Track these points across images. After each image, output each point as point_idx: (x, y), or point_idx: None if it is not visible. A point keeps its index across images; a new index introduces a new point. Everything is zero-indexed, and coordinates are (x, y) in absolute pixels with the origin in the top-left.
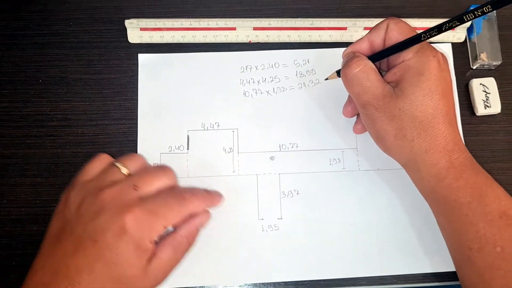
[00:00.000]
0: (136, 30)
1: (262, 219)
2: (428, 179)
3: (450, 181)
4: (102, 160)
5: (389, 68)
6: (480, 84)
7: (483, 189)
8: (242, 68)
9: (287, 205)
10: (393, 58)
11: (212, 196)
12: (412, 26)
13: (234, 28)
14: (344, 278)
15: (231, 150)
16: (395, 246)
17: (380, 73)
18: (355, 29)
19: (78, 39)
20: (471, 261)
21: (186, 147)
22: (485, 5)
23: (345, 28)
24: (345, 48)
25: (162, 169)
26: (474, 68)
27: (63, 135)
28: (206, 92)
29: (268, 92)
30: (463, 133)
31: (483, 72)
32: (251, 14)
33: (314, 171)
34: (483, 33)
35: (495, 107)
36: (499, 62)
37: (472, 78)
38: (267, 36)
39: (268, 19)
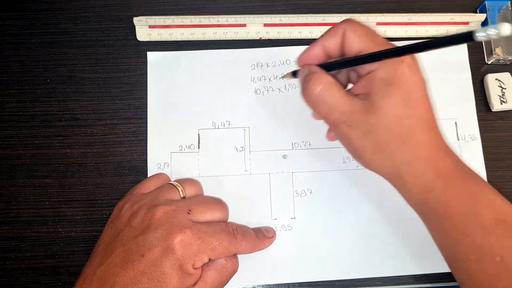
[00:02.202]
0: (145, 28)
1: (275, 218)
2: (416, 191)
3: (439, 192)
4: (160, 178)
5: (353, 77)
6: (496, 79)
7: (475, 196)
8: (253, 65)
9: (300, 204)
10: (358, 68)
11: (261, 241)
12: (426, 21)
13: (244, 25)
14: (359, 279)
15: (243, 149)
16: (410, 246)
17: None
18: (368, 25)
19: (86, 37)
20: (470, 274)
21: (197, 146)
22: (446, 41)
23: None
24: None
25: (218, 202)
26: (489, 63)
27: (72, 135)
28: (216, 90)
29: (279, 90)
30: (480, 130)
31: (498, 67)
32: (262, 10)
33: (328, 169)
34: None
35: None
36: None
37: (487, 73)
38: (278, 32)
39: (279, 15)
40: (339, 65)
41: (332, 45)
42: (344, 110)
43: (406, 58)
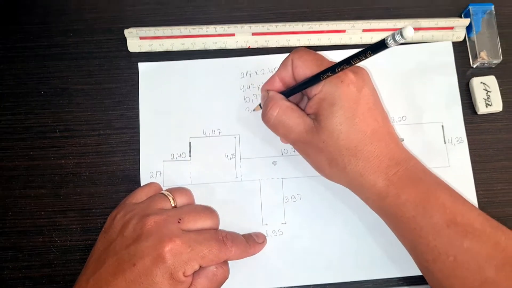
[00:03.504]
0: (136, 39)
1: (266, 224)
2: (373, 198)
3: (392, 199)
4: (152, 187)
5: (309, 98)
6: (481, 82)
7: (426, 200)
8: (242, 74)
9: (290, 210)
10: (308, 91)
11: (251, 247)
12: (412, 26)
13: (233, 34)
14: (350, 282)
15: (233, 156)
16: (400, 248)
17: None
18: (354, 31)
19: (78, 50)
20: (429, 271)
21: (188, 154)
22: (366, 50)
23: (343, 31)
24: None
25: (209, 210)
26: (474, 67)
27: (66, 146)
28: (206, 98)
29: None
30: (466, 133)
31: (483, 71)
32: (250, 19)
33: (317, 174)
34: (483, 31)
35: (497, 106)
36: (499, 60)
37: (473, 77)
38: (266, 41)
39: (267, 24)
40: (291, 91)
41: (285, 75)
42: (300, 130)
43: (347, 77)
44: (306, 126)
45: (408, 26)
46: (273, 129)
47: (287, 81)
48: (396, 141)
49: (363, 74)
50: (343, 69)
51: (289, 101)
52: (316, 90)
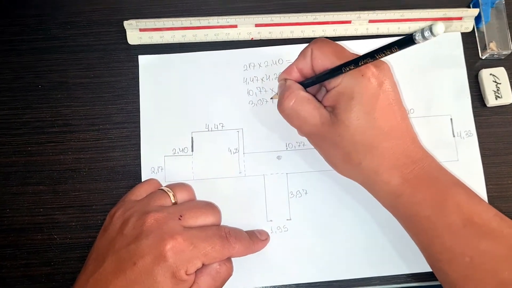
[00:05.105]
0: (136, 31)
1: (271, 220)
2: (385, 197)
3: (407, 197)
4: (151, 184)
5: (327, 90)
6: (490, 74)
7: (442, 199)
8: (245, 66)
9: (295, 205)
10: (326, 83)
11: (255, 244)
12: (418, 17)
13: (235, 26)
14: (357, 278)
15: (237, 151)
16: (408, 244)
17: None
18: (360, 22)
19: (76, 42)
20: (443, 272)
21: (190, 149)
22: (393, 45)
23: (349, 22)
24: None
25: (210, 206)
26: (483, 58)
27: (65, 141)
28: (209, 92)
29: (272, 90)
30: (475, 126)
31: (492, 62)
32: (253, 10)
33: (322, 169)
34: (492, 22)
35: (507, 98)
36: (509, 51)
37: (482, 69)
38: (269, 32)
39: (270, 15)
40: (310, 82)
41: (304, 66)
42: (314, 122)
43: (368, 70)
44: (322, 119)
45: (439, 23)
46: (287, 119)
47: (305, 72)
48: (413, 139)
49: (385, 69)
50: (366, 63)
51: (306, 91)
52: (335, 82)
